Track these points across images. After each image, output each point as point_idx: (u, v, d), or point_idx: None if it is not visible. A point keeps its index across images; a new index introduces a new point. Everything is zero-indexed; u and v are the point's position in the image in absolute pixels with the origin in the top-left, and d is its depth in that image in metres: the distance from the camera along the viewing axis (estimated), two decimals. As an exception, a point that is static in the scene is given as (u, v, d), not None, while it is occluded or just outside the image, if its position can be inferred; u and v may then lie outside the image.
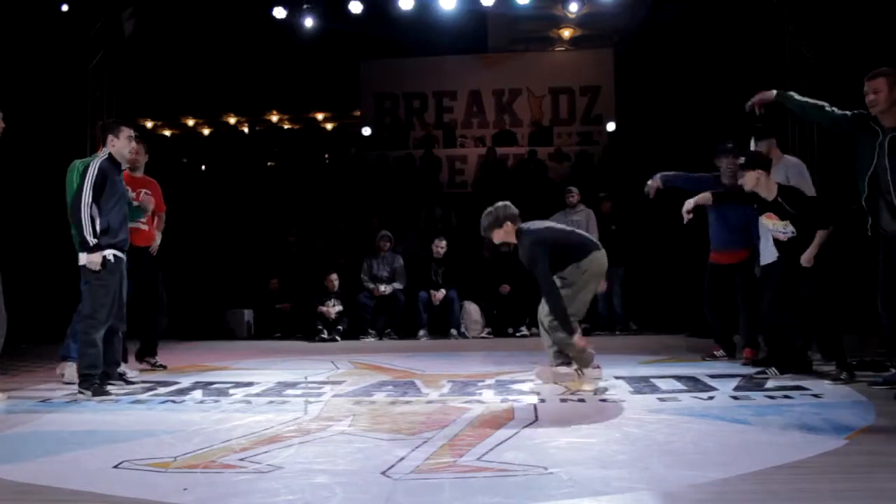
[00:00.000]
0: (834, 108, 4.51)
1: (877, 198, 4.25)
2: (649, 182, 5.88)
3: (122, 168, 5.06)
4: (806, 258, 4.75)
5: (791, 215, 4.79)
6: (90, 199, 4.70)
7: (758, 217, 5.15)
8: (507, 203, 4.98)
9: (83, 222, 4.67)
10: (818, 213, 4.78)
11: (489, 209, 4.98)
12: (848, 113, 4.43)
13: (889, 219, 4.23)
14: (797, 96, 4.72)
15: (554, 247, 4.81)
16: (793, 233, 4.82)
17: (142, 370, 5.90)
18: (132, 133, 5.05)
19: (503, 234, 4.91)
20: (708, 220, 6.09)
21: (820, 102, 4.62)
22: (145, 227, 5.96)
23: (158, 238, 6.13)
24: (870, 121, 4.27)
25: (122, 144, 4.96)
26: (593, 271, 4.90)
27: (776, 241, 4.99)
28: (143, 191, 5.73)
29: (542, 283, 4.72)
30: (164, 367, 6.17)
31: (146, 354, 6.17)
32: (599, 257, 4.95)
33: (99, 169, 4.78)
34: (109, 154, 4.92)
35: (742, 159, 4.96)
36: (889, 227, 4.25)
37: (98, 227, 4.74)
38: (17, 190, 5.00)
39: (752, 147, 5.36)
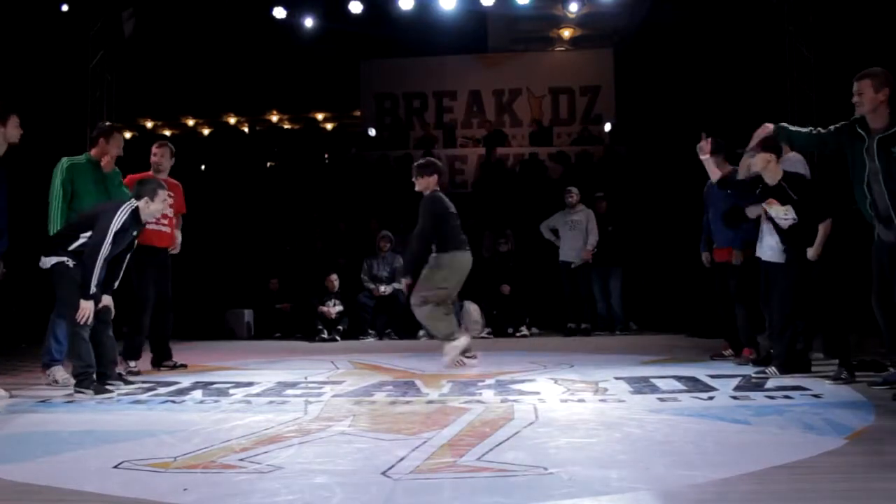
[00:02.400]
0: (819, 129, 4.54)
1: (875, 202, 4.25)
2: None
3: (144, 225, 5.01)
4: (813, 253, 4.78)
5: (792, 201, 4.80)
6: (107, 253, 4.64)
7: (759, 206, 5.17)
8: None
9: (94, 270, 4.60)
10: (819, 202, 4.80)
11: (429, 159, 6.41)
12: (832, 128, 4.45)
13: (881, 225, 4.25)
14: (790, 127, 4.72)
15: (442, 222, 5.94)
16: (794, 220, 4.83)
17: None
18: (168, 195, 5.04)
19: (424, 184, 6.08)
20: (708, 218, 6.09)
21: (804, 129, 4.65)
22: (167, 230, 6.03)
23: (179, 238, 6.20)
24: (856, 126, 4.30)
25: (156, 208, 4.91)
26: (451, 266, 5.98)
27: (779, 231, 4.99)
28: None
29: (418, 237, 5.96)
30: (185, 366, 6.16)
31: (163, 359, 6.13)
32: (460, 257, 5.99)
33: (123, 224, 4.70)
34: (137, 208, 4.82)
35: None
36: (882, 233, 4.26)
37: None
38: (16, 190, 5.00)
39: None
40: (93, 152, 5.46)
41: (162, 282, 6.05)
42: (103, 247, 4.61)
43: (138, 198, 4.86)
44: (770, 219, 5.04)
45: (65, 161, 5.29)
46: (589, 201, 9.16)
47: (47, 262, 4.76)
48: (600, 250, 8.87)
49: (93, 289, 4.63)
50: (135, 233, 4.91)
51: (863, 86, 4.22)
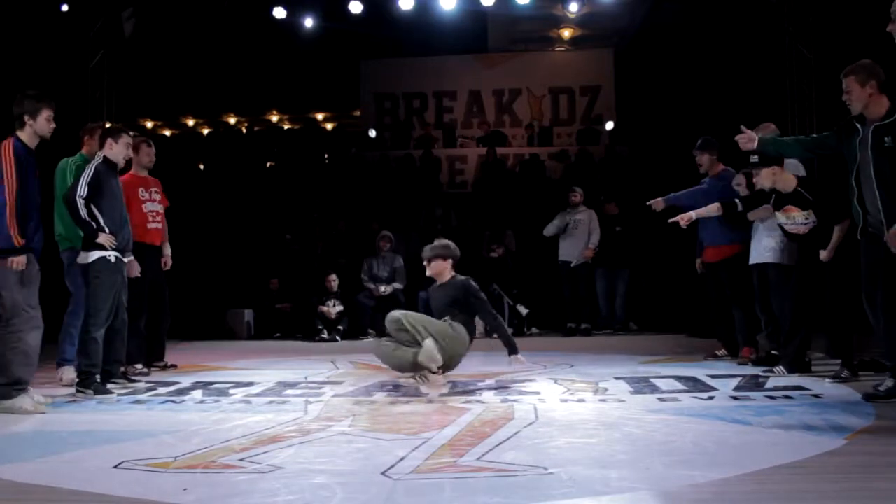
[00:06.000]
0: (812, 135, 4.53)
1: (863, 194, 4.19)
2: (653, 202, 6.04)
3: (118, 169, 5.10)
4: (826, 255, 4.78)
5: (812, 203, 4.80)
6: (85, 192, 4.73)
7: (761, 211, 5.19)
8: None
9: (80, 210, 4.69)
10: (836, 202, 4.75)
11: (445, 242, 5.37)
12: (831, 131, 4.42)
13: (869, 218, 4.21)
14: (774, 138, 4.74)
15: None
16: (814, 222, 4.83)
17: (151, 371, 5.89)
18: (130, 140, 5.12)
19: (439, 268, 5.30)
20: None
21: (789, 138, 4.64)
22: (160, 226, 6.04)
23: (167, 251, 6.18)
24: (854, 120, 4.21)
25: (118, 150, 4.99)
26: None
27: (793, 237, 4.99)
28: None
29: (489, 311, 5.32)
30: (175, 367, 6.16)
31: (155, 359, 6.11)
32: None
33: (95, 170, 4.83)
34: (105, 157, 4.94)
35: (755, 157, 4.92)
36: (872, 226, 4.20)
37: (101, 221, 4.78)
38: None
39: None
40: (84, 150, 5.48)
41: (158, 279, 6.02)
42: (77, 191, 4.71)
43: (100, 147, 4.98)
44: (781, 226, 5.03)
45: (70, 162, 5.37)
46: (590, 202, 9.14)
47: (89, 256, 4.77)
48: (608, 251, 8.84)
49: (88, 220, 4.70)
50: (114, 180, 4.99)
51: (849, 83, 4.14)
